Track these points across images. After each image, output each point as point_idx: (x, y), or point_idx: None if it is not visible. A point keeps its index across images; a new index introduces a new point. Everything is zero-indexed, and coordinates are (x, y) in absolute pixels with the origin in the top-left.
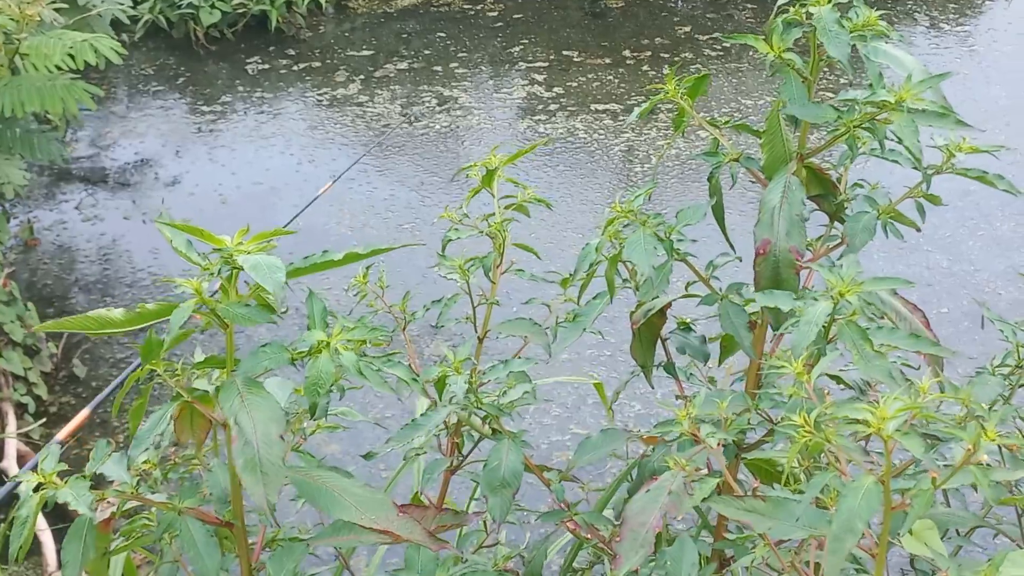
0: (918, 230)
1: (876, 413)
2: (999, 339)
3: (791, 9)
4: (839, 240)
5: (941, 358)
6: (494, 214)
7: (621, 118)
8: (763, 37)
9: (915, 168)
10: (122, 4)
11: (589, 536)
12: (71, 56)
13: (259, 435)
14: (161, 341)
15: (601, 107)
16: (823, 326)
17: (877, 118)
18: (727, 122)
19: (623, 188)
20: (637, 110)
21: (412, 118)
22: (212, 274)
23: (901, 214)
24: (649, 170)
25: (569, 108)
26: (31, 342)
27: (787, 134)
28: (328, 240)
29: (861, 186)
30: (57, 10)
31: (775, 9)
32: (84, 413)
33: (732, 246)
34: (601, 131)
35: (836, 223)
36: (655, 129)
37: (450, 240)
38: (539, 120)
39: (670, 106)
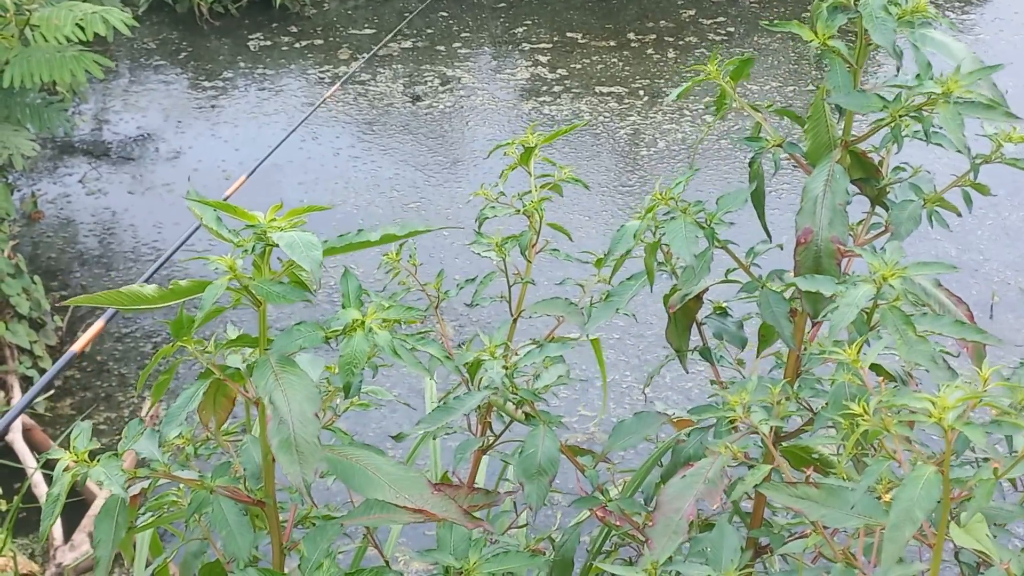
0: (960, 215)
1: (937, 402)
2: (1012, 328)
3: None
4: (883, 228)
5: (984, 348)
6: (530, 192)
7: (626, 101)
8: (807, 24)
9: (963, 155)
10: None
11: (620, 523)
12: (80, 27)
13: (294, 414)
14: (192, 318)
15: (606, 90)
16: (866, 312)
17: (923, 108)
18: (770, 106)
19: (629, 171)
20: (675, 91)
21: (415, 97)
22: (245, 251)
23: (946, 201)
24: (655, 153)
25: (574, 90)
26: (37, 315)
27: (831, 121)
28: (334, 218)
29: (904, 169)
30: None
31: None
32: (99, 324)
33: (769, 234)
34: (606, 114)
35: (878, 208)
36: (660, 113)
37: (486, 218)
38: (543, 102)
39: (675, 91)
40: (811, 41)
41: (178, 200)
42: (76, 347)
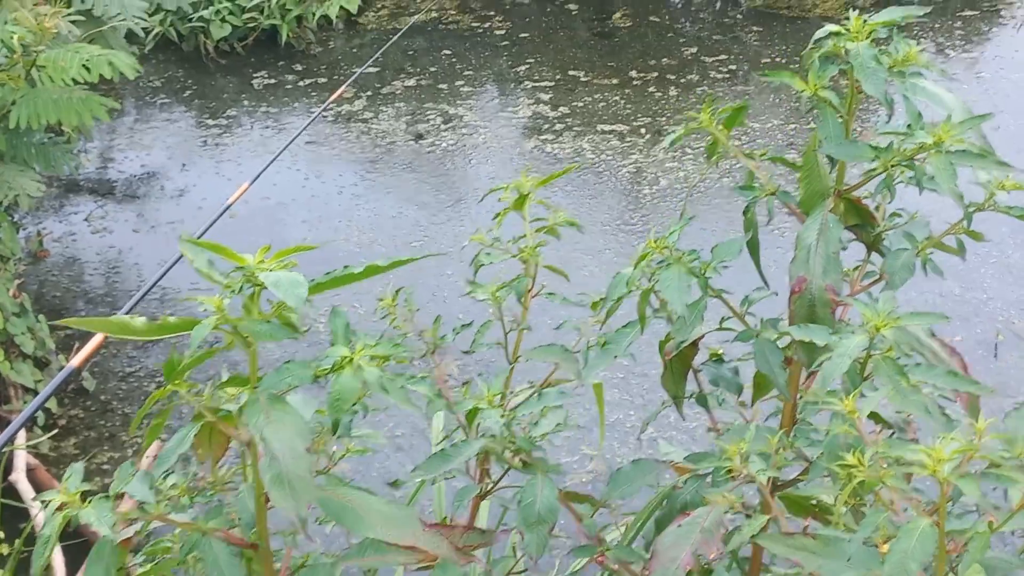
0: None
1: (932, 455)
2: (1016, 367)
3: (829, 42)
4: (877, 276)
5: (978, 399)
6: (525, 236)
7: (628, 139)
8: (798, 74)
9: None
10: (138, 18)
11: (618, 568)
12: (87, 69)
13: (285, 450)
14: (183, 360)
15: (608, 128)
16: (859, 361)
17: (916, 157)
18: (763, 154)
19: (632, 210)
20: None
21: (418, 135)
22: (234, 292)
23: (943, 244)
24: (657, 192)
25: (576, 128)
26: (41, 354)
27: (824, 169)
28: (336, 257)
29: (899, 215)
30: (73, 22)
31: (811, 42)
32: (99, 338)
33: (766, 282)
34: (608, 152)
35: (874, 253)
36: (662, 152)
37: (482, 265)
38: (546, 140)
39: (677, 129)
40: (803, 91)
41: None
42: (74, 362)
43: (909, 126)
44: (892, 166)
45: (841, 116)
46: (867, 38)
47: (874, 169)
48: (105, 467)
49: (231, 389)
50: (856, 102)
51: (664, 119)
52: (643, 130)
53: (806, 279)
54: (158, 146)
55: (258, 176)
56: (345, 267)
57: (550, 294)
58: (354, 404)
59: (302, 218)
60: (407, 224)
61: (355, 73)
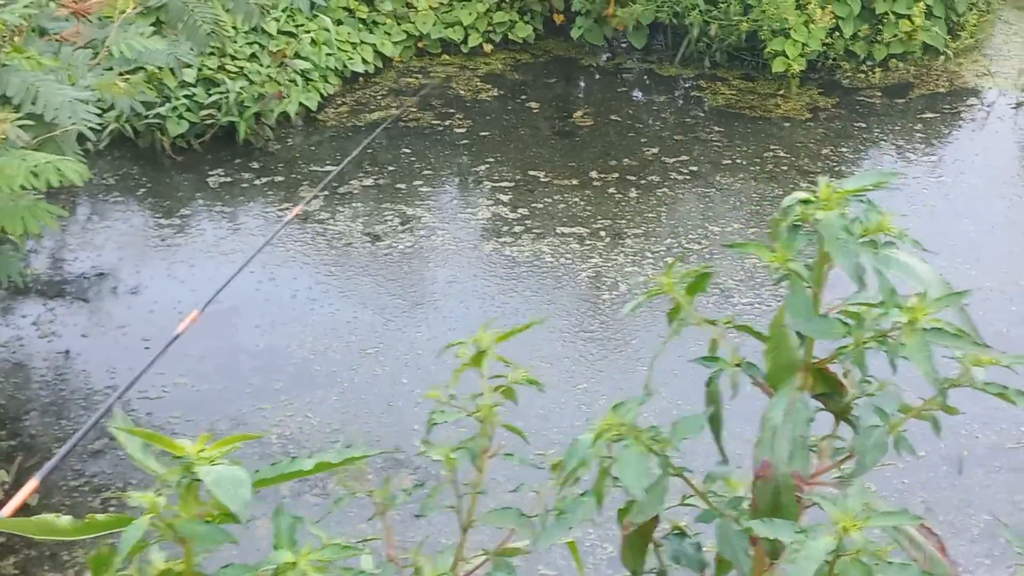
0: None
1: None
2: (981, 484)
3: (797, 209)
4: (847, 453)
5: None
6: (482, 394)
7: (588, 242)
8: (767, 245)
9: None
10: (89, 121)
11: None
12: (35, 175)
13: None
14: (113, 553)
15: (567, 230)
16: (826, 563)
17: (889, 335)
18: (728, 322)
19: (591, 316)
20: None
21: (374, 237)
22: (170, 487)
23: (921, 413)
24: (617, 297)
25: (535, 231)
26: None
27: (793, 342)
28: (290, 364)
29: (869, 382)
30: (22, 127)
31: (781, 208)
32: (33, 483)
33: (726, 458)
34: (568, 255)
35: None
36: (622, 255)
37: (435, 424)
38: (505, 243)
39: (637, 232)
40: (770, 263)
41: (133, 343)
42: (5, 512)
43: (883, 303)
44: (864, 343)
45: (810, 287)
46: (837, 207)
47: (846, 347)
48: None
49: None
50: (825, 272)
51: (624, 221)
52: (603, 233)
53: (771, 464)
54: (110, 246)
55: (208, 303)
56: (292, 459)
57: (508, 455)
58: None
59: (255, 323)
60: (363, 329)
61: (313, 182)
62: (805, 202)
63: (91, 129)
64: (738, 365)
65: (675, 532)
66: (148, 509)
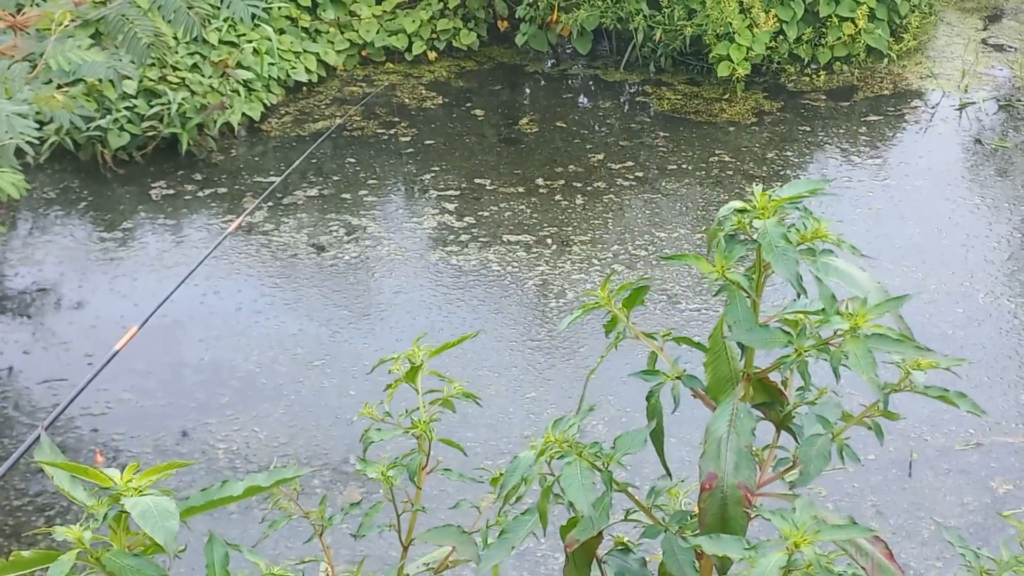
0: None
1: None
2: (931, 487)
3: (734, 219)
4: (791, 462)
5: None
6: (418, 409)
7: (535, 250)
8: (704, 256)
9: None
10: (27, 135)
11: None
12: None
13: None
14: None
15: (514, 238)
16: None
17: (831, 342)
18: (667, 335)
19: (538, 324)
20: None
21: (319, 248)
22: (97, 520)
23: (860, 419)
24: (564, 305)
25: (481, 239)
26: None
27: (733, 353)
28: (236, 377)
29: (808, 389)
30: None
31: (716, 219)
32: None
33: (670, 472)
34: (515, 263)
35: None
36: (569, 263)
37: (371, 442)
38: (451, 252)
39: (584, 239)
40: (708, 273)
41: (75, 360)
42: None
43: (823, 310)
44: (806, 352)
45: (749, 296)
46: (774, 215)
47: (787, 356)
48: None
49: None
50: (764, 282)
51: (571, 228)
52: (549, 240)
53: (717, 475)
54: (51, 261)
55: (148, 318)
56: (223, 482)
57: (446, 470)
58: None
59: (199, 337)
60: (309, 341)
61: (257, 193)
62: (741, 211)
63: (29, 143)
64: (678, 378)
65: (619, 547)
66: (75, 544)
